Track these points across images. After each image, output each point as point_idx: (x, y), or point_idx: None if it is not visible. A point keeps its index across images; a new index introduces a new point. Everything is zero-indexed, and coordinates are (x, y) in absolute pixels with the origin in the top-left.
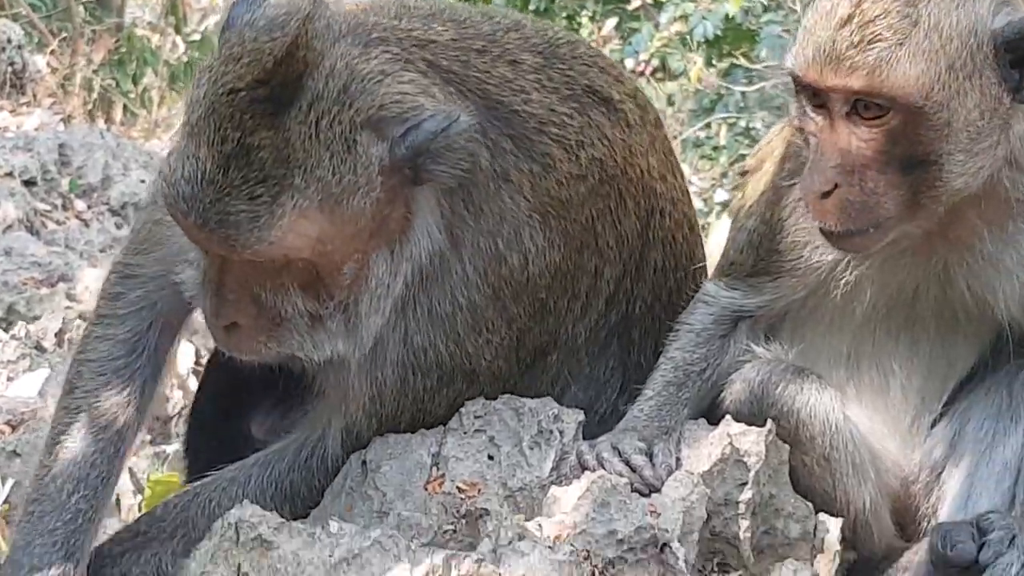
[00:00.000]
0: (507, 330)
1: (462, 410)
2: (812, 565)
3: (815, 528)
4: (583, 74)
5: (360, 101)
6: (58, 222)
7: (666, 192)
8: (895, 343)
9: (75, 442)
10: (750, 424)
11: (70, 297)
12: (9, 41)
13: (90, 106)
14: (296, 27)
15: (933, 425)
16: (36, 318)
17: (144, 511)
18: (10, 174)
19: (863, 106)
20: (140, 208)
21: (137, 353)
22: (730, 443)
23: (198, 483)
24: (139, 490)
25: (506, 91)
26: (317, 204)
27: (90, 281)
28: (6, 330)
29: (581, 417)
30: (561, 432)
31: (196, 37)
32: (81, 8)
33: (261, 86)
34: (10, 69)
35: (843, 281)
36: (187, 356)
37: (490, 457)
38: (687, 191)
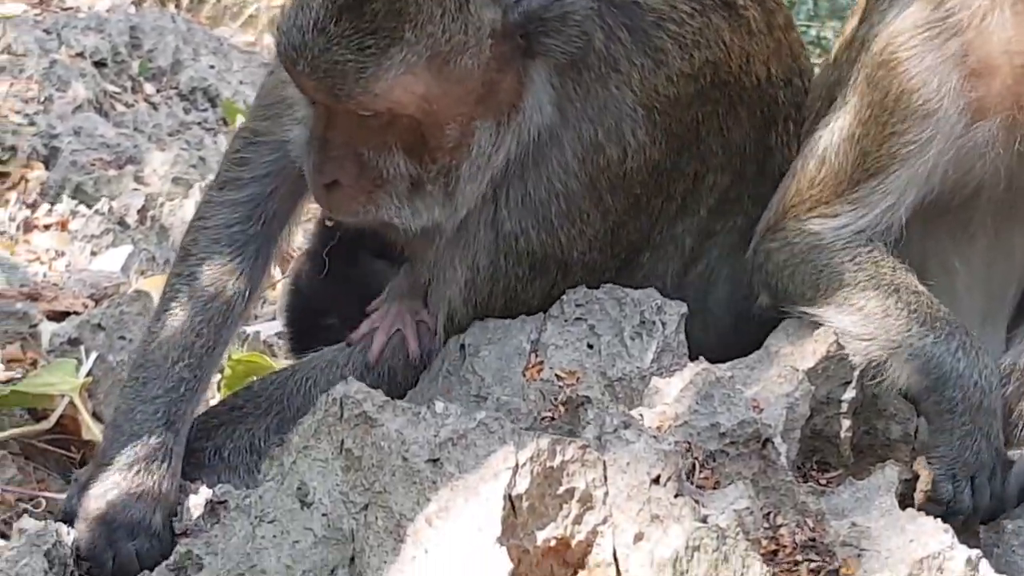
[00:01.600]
0: (601, 223)
1: (563, 298)
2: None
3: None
4: None
5: None
6: (127, 104)
7: (790, 98)
8: (953, 241)
9: (183, 310)
10: None
11: (137, 180)
12: None
13: None
14: None
15: (1013, 327)
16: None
17: (224, 390)
18: (81, 55)
19: None
20: (267, 72)
21: (254, 220)
22: (835, 341)
23: (297, 362)
24: (219, 369)
25: None
26: (425, 60)
27: (157, 164)
28: (89, 206)
29: (684, 309)
30: (663, 324)
31: None
32: None
33: None
34: None
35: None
36: None
37: (589, 346)
38: None
